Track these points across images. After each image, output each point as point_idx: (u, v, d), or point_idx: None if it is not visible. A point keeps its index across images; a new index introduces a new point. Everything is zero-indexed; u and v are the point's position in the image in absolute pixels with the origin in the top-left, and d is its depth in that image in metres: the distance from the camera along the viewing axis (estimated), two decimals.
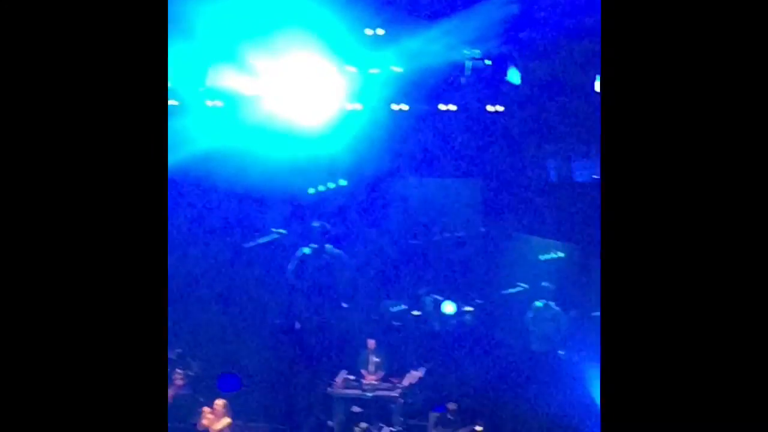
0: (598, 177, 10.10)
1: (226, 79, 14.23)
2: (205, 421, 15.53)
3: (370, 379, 17.46)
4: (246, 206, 18.37)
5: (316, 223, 18.44)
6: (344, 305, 18.81)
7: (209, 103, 14.55)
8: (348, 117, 15.15)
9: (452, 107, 14.47)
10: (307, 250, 18.46)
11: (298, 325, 18.69)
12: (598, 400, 9.67)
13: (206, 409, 15.62)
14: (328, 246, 18.36)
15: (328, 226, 18.45)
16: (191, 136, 14.79)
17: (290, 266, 17.89)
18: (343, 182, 18.60)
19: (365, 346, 17.90)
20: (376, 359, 17.71)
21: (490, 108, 14.20)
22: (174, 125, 14.78)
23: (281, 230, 18.33)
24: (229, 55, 13.99)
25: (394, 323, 18.76)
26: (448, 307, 17.11)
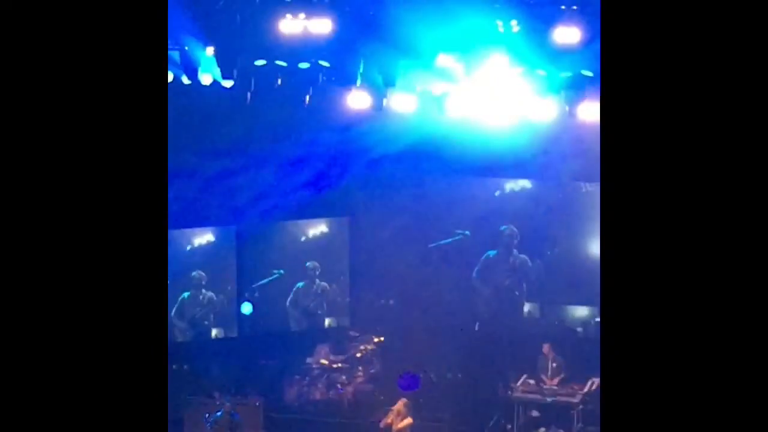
0: None
1: (417, 80, 14.30)
2: (388, 420, 15.70)
3: (550, 384, 17.32)
4: (431, 207, 18.44)
5: (504, 227, 18.41)
6: (526, 308, 18.73)
7: (399, 104, 14.59)
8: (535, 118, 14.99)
9: None
10: (492, 253, 18.47)
11: (477, 327, 18.72)
12: None
13: (391, 408, 15.81)
14: (514, 251, 18.34)
15: (515, 231, 18.36)
16: (381, 138, 14.96)
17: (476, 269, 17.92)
18: (527, 184, 18.48)
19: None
20: (554, 364, 17.54)
21: None
22: (364, 127, 15.09)
23: (465, 231, 18.38)
24: (420, 55, 14.04)
25: (577, 329, 18.56)
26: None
